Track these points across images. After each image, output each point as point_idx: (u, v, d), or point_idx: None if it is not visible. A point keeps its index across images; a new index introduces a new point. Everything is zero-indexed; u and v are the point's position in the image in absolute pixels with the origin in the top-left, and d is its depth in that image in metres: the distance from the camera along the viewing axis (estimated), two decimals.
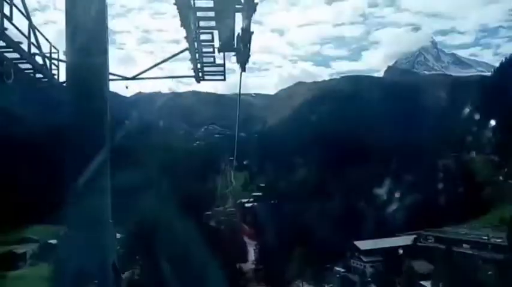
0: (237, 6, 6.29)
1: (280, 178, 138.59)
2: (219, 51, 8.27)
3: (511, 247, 67.32)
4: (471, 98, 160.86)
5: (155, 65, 8.49)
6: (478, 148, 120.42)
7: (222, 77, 9.53)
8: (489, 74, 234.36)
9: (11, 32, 7.07)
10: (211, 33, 7.59)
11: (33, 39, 7.68)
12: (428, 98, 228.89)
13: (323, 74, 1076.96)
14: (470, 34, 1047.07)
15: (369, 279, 78.03)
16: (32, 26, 7.49)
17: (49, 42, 8.50)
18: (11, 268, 62.74)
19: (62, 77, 8.00)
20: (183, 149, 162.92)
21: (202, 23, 7.00)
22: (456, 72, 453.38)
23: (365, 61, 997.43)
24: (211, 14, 6.45)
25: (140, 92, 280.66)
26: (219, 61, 9.11)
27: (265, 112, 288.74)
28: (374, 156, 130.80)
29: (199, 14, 6.52)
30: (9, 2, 6.59)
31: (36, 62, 7.74)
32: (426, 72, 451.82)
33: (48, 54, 8.53)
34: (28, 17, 7.38)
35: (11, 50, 7.13)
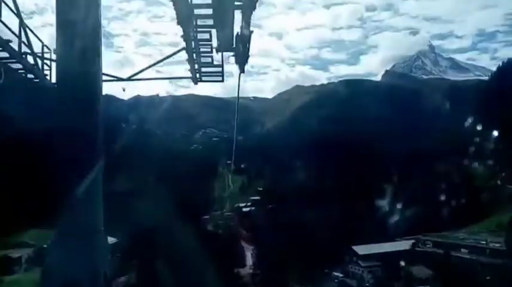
0: (236, 3, 6.01)
1: (278, 182, 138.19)
2: (217, 51, 7.96)
3: (509, 252, 67.11)
4: (469, 102, 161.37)
5: (150, 66, 8.21)
6: (475, 152, 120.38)
7: (220, 78, 9.18)
8: (487, 78, 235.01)
9: (1, 30, 6.81)
10: (209, 32, 7.26)
11: (24, 39, 7.41)
12: (426, 102, 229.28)
13: (321, 78, 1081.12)
14: (467, 38, 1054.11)
15: (367, 284, 77.77)
16: (22, 25, 7.20)
17: (41, 41, 8.21)
18: (6, 272, 62.15)
19: (55, 78, 7.72)
20: (180, 153, 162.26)
21: (199, 21, 6.69)
22: (454, 76, 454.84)
23: (363, 65, 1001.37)
24: (209, 11, 6.14)
25: (138, 95, 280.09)
26: (217, 62, 8.82)
27: (263, 116, 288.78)
28: (372, 160, 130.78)
29: (196, 11, 6.20)
30: None
31: (27, 62, 7.45)
32: (424, 77, 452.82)
33: (40, 54, 8.27)
34: (19, 15, 7.09)
35: (0, 48, 6.85)
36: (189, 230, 70.30)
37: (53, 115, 5.53)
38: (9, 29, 7.02)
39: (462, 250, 77.67)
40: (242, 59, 7.69)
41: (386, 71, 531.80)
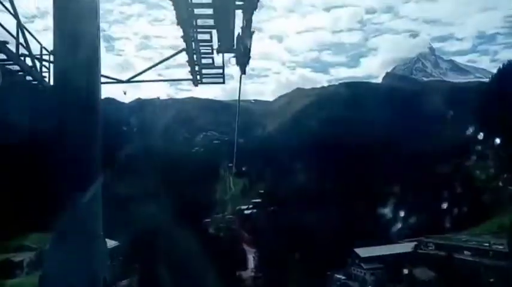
0: (237, 3, 5.88)
1: (279, 184, 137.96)
2: (218, 52, 7.84)
3: None
4: (470, 104, 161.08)
5: (149, 68, 8.08)
6: (476, 154, 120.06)
7: (221, 80, 9.02)
8: (487, 80, 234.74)
9: None
10: (210, 32, 7.13)
11: (22, 40, 7.30)
12: (427, 104, 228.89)
13: (321, 80, 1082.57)
14: (467, 41, 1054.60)
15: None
16: (20, 26, 7.10)
17: (39, 43, 8.11)
18: (8, 276, 62.01)
19: (52, 79, 7.61)
20: (181, 155, 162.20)
21: (200, 21, 6.55)
22: (454, 78, 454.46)
23: (363, 67, 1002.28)
24: (210, 11, 6.00)
25: (139, 98, 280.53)
26: (217, 63, 8.69)
27: (264, 118, 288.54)
28: (373, 162, 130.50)
29: (197, 11, 6.06)
30: None
31: (25, 64, 7.34)
32: (424, 79, 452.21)
33: (39, 56, 8.17)
34: (16, 16, 6.99)
35: None
36: (191, 233, 70.12)
37: (51, 117, 5.42)
38: (6, 30, 6.93)
39: (465, 252, 77.27)
40: (243, 60, 7.57)
41: (387, 74, 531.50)
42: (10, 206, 69.38)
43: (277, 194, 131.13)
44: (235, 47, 7.34)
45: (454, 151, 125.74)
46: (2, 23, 7.11)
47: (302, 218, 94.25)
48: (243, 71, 7.92)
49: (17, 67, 7.37)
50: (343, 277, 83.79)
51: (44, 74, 8.20)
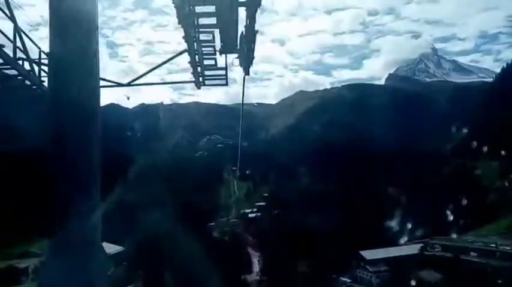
0: (239, 0, 5.64)
1: (283, 188, 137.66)
2: (221, 53, 7.60)
3: None
4: (473, 104, 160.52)
5: (151, 70, 7.88)
6: (481, 154, 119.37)
7: (224, 82, 8.75)
8: (490, 80, 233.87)
9: None
10: (212, 32, 6.89)
11: (19, 44, 7.12)
12: (431, 104, 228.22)
13: (324, 83, 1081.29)
14: (470, 41, 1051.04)
15: None
16: (17, 29, 6.91)
17: (38, 47, 7.93)
18: (13, 283, 61.94)
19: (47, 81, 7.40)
20: (185, 160, 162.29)
21: (202, 21, 6.30)
22: (457, 78, 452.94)
23: (366, 69, 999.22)
24: (212, 8, 5.75)
25: (143, 104, 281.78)
26: (220, 64, 8.46)
27: (268, 121, 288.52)
28: (377, 164, 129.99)
29: (198, 9, 5.81)
30: None
31: (23, 68, 7.14)
32: (427, 79, 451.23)
33: (37, 60, 7.98)
34: (13, 19, 6.79)
35: None
36: (195, 237, 69.91)
37: (48, 122, 5.20)
38: (3, 34, 6.74)
39: (471, 253, 76.62)
40: (247, 61, 7.34)
41: (390, 75, 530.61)
42: (12, 212, 69.52)
43: (281, 198, 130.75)
44: (238, 47, 7.10)
45: (459, 151, 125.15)
46: (0, 27, 6.95)
47: (306, 221, 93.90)
48: (247, 72, 7.70)
49: (14, 71, 7.18)
50: (349, 280, 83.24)
51: (43, 78, 8.00)
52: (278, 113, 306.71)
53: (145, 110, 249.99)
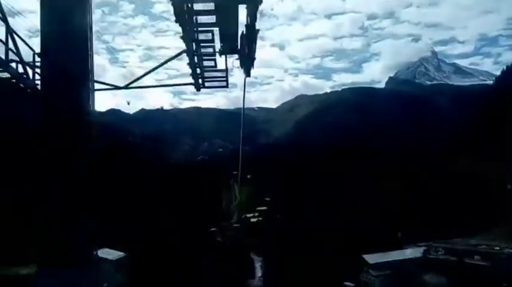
0: None
1: (285, 191, 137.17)
2: (221, 54, 7.30)
3: None
4: (474, 106, 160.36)
5: (148, 72, 7.63)
6: (484, 157, 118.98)
7: (224, 83, 8.34)
8: (491, 82, 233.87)
9: None
10: (212, 31, 6.55)
11: (12, 46, 6.88)
12: (431, 107, 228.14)
13: (324, 87, 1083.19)
14: (470, 43, 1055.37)
15: None
16: (9, 31, 6.66)
17: (32, 49, 7.69)
18: None
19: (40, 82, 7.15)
20: (186, 164, 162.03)
21: (201, 18, 5.93)
22: (457, 81, 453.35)
23: (366, 73, 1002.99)
24: (211, 5, 5.34)
25: (143, 109, 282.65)
26: (220, 67, 8.16)
27: (268, 125, 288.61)
28: (379, 167, 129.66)
29: (196, 6, 5.45)
30: None
31: (15, 70, 6.89)
32: (428, 82, 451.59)
33: (32, 63, 7.75)
34: (5, 20, 6.55)
35: None
36: (197, 242, 69.67)
37: (39, 122, 4.96)
38: None
39: (475, 256, 76.09)
40: (248, 62, 7.08)
41: (390, 78, 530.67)
42: (16, 217, 69.27)
43: (283, 202, 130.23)
44: (239, 47, 6.82)
45: (461, 154, 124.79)
46: None
47: (309, 224, 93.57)
48: (248, 74, 7.42)
49: (6, 74, 6.93)
50: (352, 284, 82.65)
51: (37, 81, 7.77)
52: (279, 117, 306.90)
53: (146, 115, 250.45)
